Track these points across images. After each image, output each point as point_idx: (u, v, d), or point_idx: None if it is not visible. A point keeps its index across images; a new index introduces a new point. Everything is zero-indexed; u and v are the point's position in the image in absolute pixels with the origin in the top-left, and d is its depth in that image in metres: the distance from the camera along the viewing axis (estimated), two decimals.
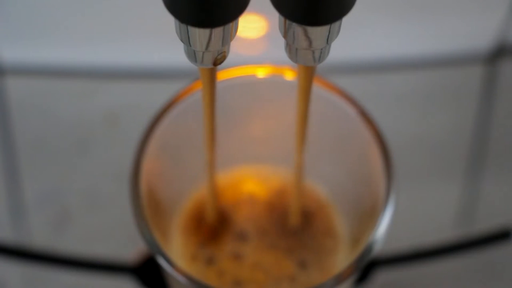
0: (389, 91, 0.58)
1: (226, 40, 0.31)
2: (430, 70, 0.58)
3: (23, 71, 0.57)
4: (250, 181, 0.44)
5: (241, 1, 0.30)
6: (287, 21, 0.31)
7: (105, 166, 0.55)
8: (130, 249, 0.48)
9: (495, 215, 0.54)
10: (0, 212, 0.53)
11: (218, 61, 0.32)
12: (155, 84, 0.57)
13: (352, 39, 0.56)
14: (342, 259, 0.42)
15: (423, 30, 0.59)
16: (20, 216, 0.53)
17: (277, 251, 0.42)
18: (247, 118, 0.43)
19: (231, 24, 0.31)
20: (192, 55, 0.32)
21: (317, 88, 0.39)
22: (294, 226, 0.42)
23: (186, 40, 0.31)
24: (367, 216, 0.40)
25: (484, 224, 0.53)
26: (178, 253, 0.42)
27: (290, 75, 0.41)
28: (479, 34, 0.58)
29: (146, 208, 0.38)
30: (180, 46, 0.32)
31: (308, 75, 0.34)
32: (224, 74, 0.41)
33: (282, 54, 0.33)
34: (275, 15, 0.31)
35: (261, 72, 0.41)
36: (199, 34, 0.30)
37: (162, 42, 0.55)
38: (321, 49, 0.32)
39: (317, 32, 0.31)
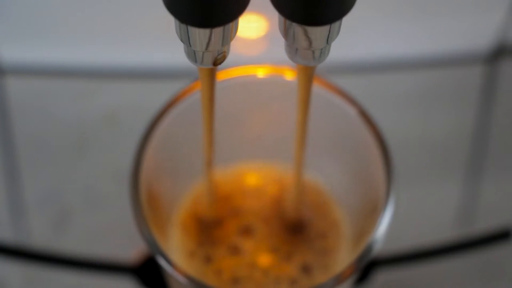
0: (389, 91, 0.58)
1: (226, 40, 0.31)
2: (430, 70, 0.58)
3: (23, 71, 0.57)
4: (249, 179, 0.44)
5: (241, 1, 0.30)
6: (287, 21, 0.31)
7: (105, 166, 0.55)
8: (130, 249, 0.48)
9: (495, 215, 0.54)
10: (0, 212, 0.53)
11: (218, 61, 0.32)
12: (155, 84, 0.57)
13: (352, 39, 0.56)
14: (344, 258, 0.42)
15: (423, 30, 0.59)
16: (20, 216, 0.53)
17: (277, 249, 0.42)
18: (247, 118, 0.43)
19: (231, 24, 0.31)
20: (192, 55, 0.32)
21: (317, 88, 0.39)
22: (295, 223, 0.42)
23: (186, 40, 0.31)
24: (367, 216, 0.40)
25: (484, 224, 0.53)
26: (176, 251, 0.42)
27: (290, 75, 0.41)
28: (479, 34, 0.58)
29: (146, 208, 0.38)
30: (180, 46, 0.32)
31: (308, 75, 0.34)
32: (224, 74, 0.41)
33: (282, 54, 0.33)
34: (275, 15, 0.31)
35: (261, 72, 0.41)
36: (199, 34, 0.30)
37: (162, 42, 0.55)
38: (321, 49, 0.32)
39: (317, 32, 0.31)
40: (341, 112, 0.40)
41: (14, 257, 0.48)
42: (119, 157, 0.54)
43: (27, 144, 0.55)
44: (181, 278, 0.36)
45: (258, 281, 0.41)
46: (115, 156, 0.55)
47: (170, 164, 0.41)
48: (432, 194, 0.54)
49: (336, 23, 0.31)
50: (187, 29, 0.30)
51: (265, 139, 0.44)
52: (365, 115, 0.40)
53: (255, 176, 0.44)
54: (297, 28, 0.30)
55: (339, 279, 0.36)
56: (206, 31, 0.30)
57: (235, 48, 0.38)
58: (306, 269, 0.41)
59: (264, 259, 0.42)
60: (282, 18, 0.31)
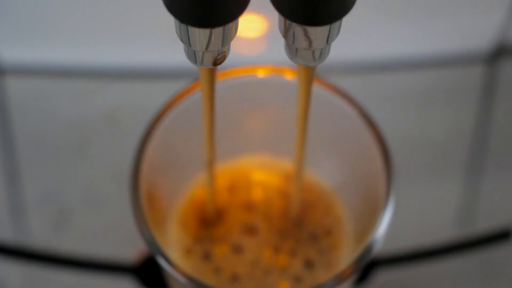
0: (389, 91, 0.58)
1: (226, 40, 0.31)
2: (430, 70, 0.58)
3: (23, 71, 0.57)
4: (250, 176, 0.44)
5: (241, 1, 0.30)
6: (287, 21, 0.31)
7: (105, 166, 0.55)
8: (130, 249, 0.48)
9: (495, 215, 0.54)
10: (0, 212, 0.53)
11: (218, 61, 0.32)
12: (155, 84, 0.57)
13: (352, 39, 0.56)
14: (346, 255, 0.42)
15: (423, 30, 0.59)
16: (20, 216, 0.53)
17: (277, 247, 0.42)
18: (247, 118, 0.43)
19: (231, 24, 0.31)
20: (192, 55, 0.32)
21: (317, 88, 0.39)
22: (295, 221, 0.43)
23: (186, 40, 0.31)
24: (368, 216, 0.40)
25: (484, 224, 0.53)
26: (174, 247, 0.42)
27: (290, 75, 0.41)
28: (479, 34, 0.58)
29: (146, 208, 0.38)
30: (180, 46, 0.32)
31: (308, 75, 0.34)
32: (224, 74, 0.41)
33: (282, 54, 0.33)
34: (275, 15, 0.31)
35: (261, 72, 0.41)
36: (199, 34, 0.30)
37: (162, 42, 0.55)
38: (321, 49, 0.32)
39: (317, 32, 0.31)
40: (341, 112, 0.40)
41: (14, 257, 0.48)
42: (119, 157, 0.54)
43: (27, 144, 0.55)
44: (181, 278, 0.36)
45: (259, 279, 0.41)
46: (115, 156, 0.55)
47: (170, 164, 0.41)
48: (432, 194, 0.54)
49: (336, 23, 0.31)
50: (187, 29, 0.30)
51: (265, 139, 0.44)
52: (365, 115, 0.40)
53: (256, 173, 0.44)
54: (297, 28, 0.30)
55: (339, 279, 0.36)
56: (206, 31, 0.30)
57: (235, 48, 0.38)
58: (308, 266, 0.41)
59: (266, 256, 0.42)
60: (282, 18, 0.31)
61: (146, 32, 0.58)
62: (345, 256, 0.42)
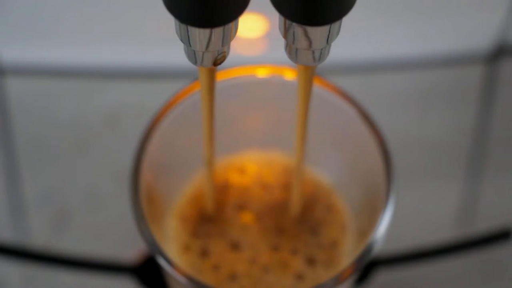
0: (389, 91, 0.58)
1: (226, 40, 0.31)
2: (430, 70, 0.58)
3: (23, 71, 0.57)
4: (248, 175, 0.44)
5: (241, 1, 0.30)
6: (287, 21, 0.31)
7: (105, 166, 0.55)
8: (130, 249, 0.48)
9: (495, 215, 0.54)
10: (0, 212, 0.53)
11: (218, 61, 0.32)
12: (155, 84, 0.57)
13: (352, 39, 0.56)
14: (348, 252, 0.42)
15: (423, 30, 0.59)
16: (20, 216, 0.53)
17: (277, 246, 0.42)
18: (247, 118, 0.43)
19: (231, 24, 0.31)
20: (192, 55, 0.32)
21: (317, 88, 0.39)
22: (295, 218, 0.43)
23: (186, 40, 0.31)
24: (368, 216, 0.40)
25: (484, 224, 0.53)
26: (172, 244, 0.42)
27: (290, 75, 0.41)
28: (479, 34, 0.58)
29: (146, 208, 0.38)
30: (180, 46, 0.32)
31: (308, 75, 0.34)
32: (224, 74, 0.41)
33: (282, 54, 0.33)
34: (275, 15, 0.31)
35: (261, 72, 0.41)
36: (199, 34, 0.30)
37: (162, 42, 0.55)
38: (321, 49, 0.32)
39: (317, 32, 0.31)
40: (341, 112, 0.40)
41: (14, 257, 0.48)
42: (119, 157, 0.54)
43: (27, 144, 0.55)
44: (180, 278, 0.36)
45: (258, 277, 0.41)
46: (115, 156, 0.55)
47: (170, 164, 0.41)
48: (432, 194, 0.54)
49: (336, 23, 0.31)
50: (187, 29, 0.30)
51: (265, 139, 0.44)
52: (365, 115, 0.40)
53: (256, 171, 0.44)
54: (297, 28, 0.30)
55: (339, 278, 0.36)
56: (206, 31, 0.30)
57: (235, 48, 0.38)
58: (310, 263, 0.41)
59: (265, 254, 0.42)
60: (282, 18, 0.31)
61: (146, 32, 0.58)
62: (347, 254, 0.42)
